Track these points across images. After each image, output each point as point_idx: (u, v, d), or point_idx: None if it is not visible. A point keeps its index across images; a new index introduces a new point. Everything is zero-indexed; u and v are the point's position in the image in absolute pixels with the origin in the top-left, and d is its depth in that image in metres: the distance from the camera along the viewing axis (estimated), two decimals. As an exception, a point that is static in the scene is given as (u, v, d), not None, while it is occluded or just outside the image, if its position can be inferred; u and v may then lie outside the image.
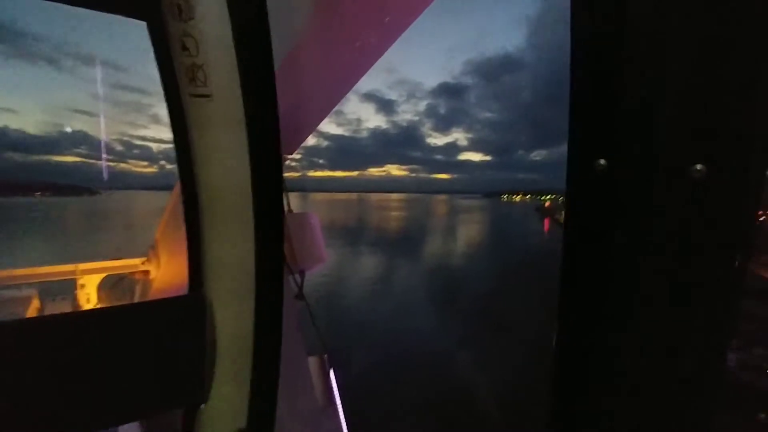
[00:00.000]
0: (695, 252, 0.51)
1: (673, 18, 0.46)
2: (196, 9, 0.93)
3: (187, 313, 1.27)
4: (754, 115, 0.46)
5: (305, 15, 1.37)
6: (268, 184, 1.09)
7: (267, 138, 1.05)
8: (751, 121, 0.46)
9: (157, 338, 1.22)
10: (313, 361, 2.24)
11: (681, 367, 0.52)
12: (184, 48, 0.95)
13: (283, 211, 1.18)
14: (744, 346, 46.57)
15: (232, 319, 1.24)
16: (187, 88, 1.02)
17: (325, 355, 2.28)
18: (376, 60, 1.79)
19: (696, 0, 0.45)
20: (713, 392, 0.51)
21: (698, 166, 0.48)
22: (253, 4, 0.95)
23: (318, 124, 2.35)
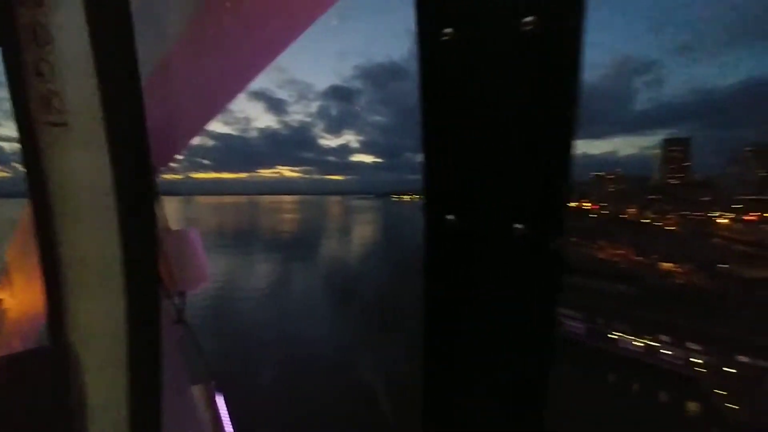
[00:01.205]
0: (516, 300, 0.62)
1: (498, 96, 0.57)
2: (53, 33, 0.88)
3: (46, 368, 1.09)
4: (563, 181, 0.57)
5: (182, 19, 1.30)
6: (138, 210, 1.00)
7: (134, 164, 0.98)
8: (561, 185, 0.57)
9: (9, 402, 1.05)
10: (198, 390, 2.00)
11: (518, 371, 0.64)
12: (39, 74, 0.90)
13: (157, 234, 1.11)
14: (589, 317, 55.35)
15: (103, 363, 1.08)
16: (40, 115, 0.96)
17: (212, 382, 2.03)
18: (264, 67, 1.69)
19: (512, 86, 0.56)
20: (545, 380, 0.63)
21: (518, 225, 0.58)
22: (117, 26, 0.89)
23: (198, 132, 2.16)
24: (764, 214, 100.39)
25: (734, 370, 39.27)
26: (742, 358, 40.34)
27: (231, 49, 1.48)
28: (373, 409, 29.25)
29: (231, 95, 2.00)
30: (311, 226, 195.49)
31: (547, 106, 0.55)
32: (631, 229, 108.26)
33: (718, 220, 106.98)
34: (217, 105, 2.07)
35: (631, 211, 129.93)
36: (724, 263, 76.87)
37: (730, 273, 72.78)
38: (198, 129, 2.20)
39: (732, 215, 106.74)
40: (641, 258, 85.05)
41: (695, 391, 37.35)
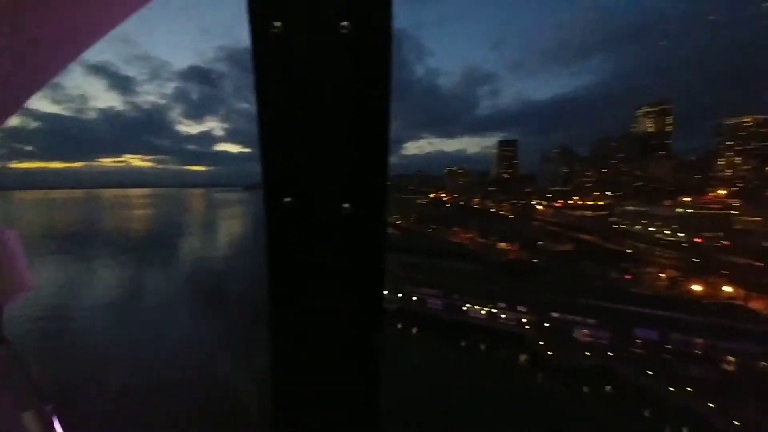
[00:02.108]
0: (348, 272, 0.68)
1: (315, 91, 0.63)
2: None
3: None
4: (382, 166, 0.65)
5: None
6: None
7: None
8: (380, 169, 0.65)
9: None
10: (31, 417, 1.77)
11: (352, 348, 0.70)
12: None
13: None
14: (445, 294, 61.23)
15: None
16: None
17: (48, 407, 1.79)
18: (100, 35, 1.48)
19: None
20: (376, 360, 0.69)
21: (345, 205, 0.65)
22: None
23: (13, 111, 1.88)
24: (567, 202, 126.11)
25: (549, 324, 48.72)
26: (555, 314, 50.20)
27: (55, 10, 1.26)
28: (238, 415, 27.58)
29: (56, 67, 1.66)
30: (168, 222, 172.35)
31: (364, 99, 0.60)
32: (477, 215, 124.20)
33: (537, 207, 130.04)
34: (37, 79, 1.70)
35: (477, 200, 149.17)
36: (541, 240, 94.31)
37: (544, 248, 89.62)
38: (11, 108, 1.80)
39: (546, 203, 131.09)
40: (484, 240, 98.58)
41: (525, 345, 45.32)
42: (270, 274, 0.70)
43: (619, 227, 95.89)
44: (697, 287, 61.64)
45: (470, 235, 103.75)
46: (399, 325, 50.47)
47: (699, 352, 42.63)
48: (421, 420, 29.97)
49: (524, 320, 49.93)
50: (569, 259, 79.92)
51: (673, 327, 45.85)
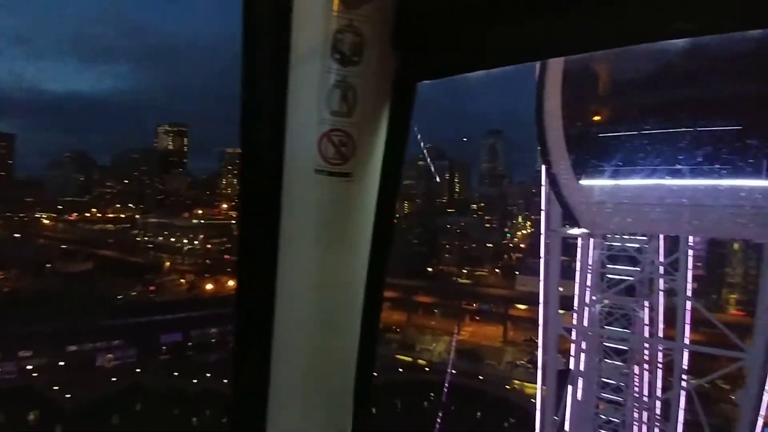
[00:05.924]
0: None
1: None
2: None
3: None
4: None
5: None
6: None
7: None
8: None
9: None
10: None
11: None
12: None
13: None
14: None
15: None
16: None
17: None
18: None
19: None
20: None
21: None
22: None
23: None
24: (84, 214, 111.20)
25: (65, 362, 42.42)
26: (72, 347, 44.29)
27: None
28: None
29: None
30: None
31: None
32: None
33: (43, 221, 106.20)
34: None
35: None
36: (50, 262, 78.25)
37: (55, 271, 75.18)
38: None
39: (56, 215, 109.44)
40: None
41: (33, 397, 36.84)
42: None
43: (142, 239, 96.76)
44: (210, 286, 74.13)
45: None
46: None
47: (214, 340, 52.05)
48: None
49: (30, 367, 40.50)
50: (88, 280, 71.71)
51: (194, 325, 53.03)
